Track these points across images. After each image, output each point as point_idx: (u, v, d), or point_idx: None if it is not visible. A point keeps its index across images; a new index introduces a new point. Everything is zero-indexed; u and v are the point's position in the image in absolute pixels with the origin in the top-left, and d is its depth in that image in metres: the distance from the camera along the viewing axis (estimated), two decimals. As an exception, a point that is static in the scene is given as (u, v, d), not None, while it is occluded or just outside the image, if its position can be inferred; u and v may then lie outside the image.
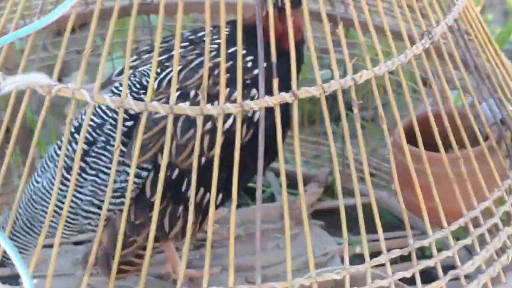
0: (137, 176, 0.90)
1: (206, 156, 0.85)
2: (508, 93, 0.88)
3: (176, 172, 0.89)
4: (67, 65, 1.41)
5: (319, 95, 0.71)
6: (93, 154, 0.91)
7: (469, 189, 0.78)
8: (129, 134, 0.88)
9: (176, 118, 0.80)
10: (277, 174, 1.29)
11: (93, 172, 0.91)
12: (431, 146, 0.82)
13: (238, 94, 0.69)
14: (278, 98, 0.70)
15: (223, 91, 0.69)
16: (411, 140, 0.81)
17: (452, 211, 0.80)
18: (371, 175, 1.27)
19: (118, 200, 0.92)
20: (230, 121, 0.82)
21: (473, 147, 0.82)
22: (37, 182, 0.94)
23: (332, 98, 0.74)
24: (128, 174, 0.89)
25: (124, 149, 0.89)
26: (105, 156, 0.91)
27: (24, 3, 0.72)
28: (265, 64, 0.72)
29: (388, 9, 0.92)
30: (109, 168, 0.90)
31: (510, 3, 1.60)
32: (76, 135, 0.91)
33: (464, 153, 0.81)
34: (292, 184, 1.27)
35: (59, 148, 0.92)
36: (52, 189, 0.90)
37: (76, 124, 0.93)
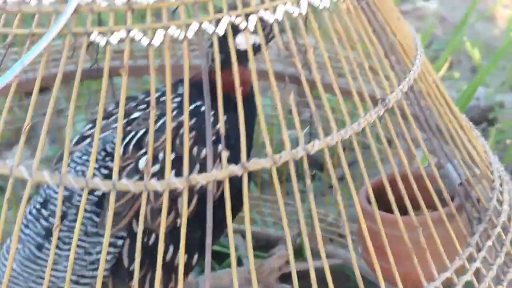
0: (113, 245, 0.88)
1: (180, 218, 0.84)
2: (467, 156, 0.86)
3: (153, 237, 0.87)
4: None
5: (269, 166, 0.69)
6: (65, 228, 0.88)
7: (427, 256, 0.76)
8: (99, 202, 0.87)
9: None
10: (245, 236, 1.26)
11: (67, 247, 0.88)
12: (401, 207, 0.80)
13: (184, 167, 0.67)
14: (226, 171, 0.68)
15: (169, 164, 0.67)
16: (380, 200, 0.79)
17: (411, 277, 0.77)
18: (340, 236, 1.26)
19: (96, 273, 0.88)
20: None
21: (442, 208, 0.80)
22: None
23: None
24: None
25: (97, 219, 0.87)
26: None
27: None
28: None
29: (350, 71, 0.90)
30: (84, 241, 0.88)
31: (477, 60, 1.61)
32: (43, 211, 0.89)
33: (422, 217, 0.79)
34: (259, 246, 1.25)
35: (26, 227, 0.90)
36: (24, 271, 0.88)
37: (41, 199, 0.90)
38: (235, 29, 0.73)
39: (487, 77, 1.54)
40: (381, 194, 0.79)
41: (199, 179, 0.67)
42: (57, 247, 0.88)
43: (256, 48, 0.86)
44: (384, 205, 0.80)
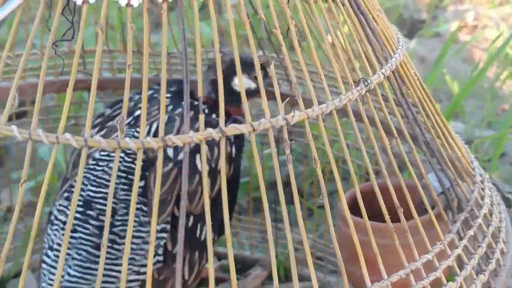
0: (164, 231, 0.88)
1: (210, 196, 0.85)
2: (449, 149, 0.85)
3: (191, 219, 0.89)
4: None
5: (248, 133, 0.67)
6: (119, 223, 0.88)
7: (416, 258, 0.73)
8: (143, 193, 0.88)
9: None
10: (219, 258, 1.24)
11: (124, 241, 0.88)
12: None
13: (160, 128, 0.65)
14: (204, 134, 0.66)
15: (143, 124, 0.65)
16: (356, 211, 0.77)
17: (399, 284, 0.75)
18: (319, 258, 1.24)
19: (157, 258, 0.89)
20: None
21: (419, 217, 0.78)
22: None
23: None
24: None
25: (145, 209, 0.88)
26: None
27: None
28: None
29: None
30: (140, 231, 0.88)
31: (455, 91, 1.62)
32: (90, 212, 0.89)
33: (411, 222, 0.77)
34: (237, 267, 1.23)
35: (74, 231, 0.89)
36: (86, 273, 0.88)
37: (80, 203, 0.89)
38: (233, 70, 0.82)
39: (466, 115, 1.55)
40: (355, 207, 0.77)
41: (175, 139, 0.65)
42: (115, 242, 0.88)
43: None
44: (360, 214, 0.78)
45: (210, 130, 0.66)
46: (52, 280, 0.89)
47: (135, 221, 0.87)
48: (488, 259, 0.79)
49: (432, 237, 0.77)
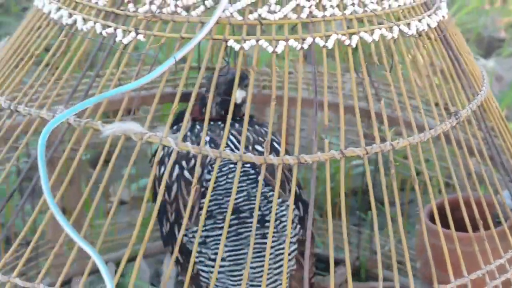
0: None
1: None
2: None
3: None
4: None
5: (362, 155, 0.86)
6: (266, 217, 1.06)
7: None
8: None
9: None
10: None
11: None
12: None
13: (296, 148, 0.84)
14: (329, 154, 0.85)
15: (283, 144, 0.84)
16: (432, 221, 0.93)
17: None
18: (398, 262, 1.39)
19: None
20: None
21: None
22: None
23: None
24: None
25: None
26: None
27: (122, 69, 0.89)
28: None
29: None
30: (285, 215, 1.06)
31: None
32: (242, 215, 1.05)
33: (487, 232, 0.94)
34: (322, 266, 1.40)
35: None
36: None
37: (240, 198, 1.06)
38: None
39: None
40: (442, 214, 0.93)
41: (306, 157, 0.84)
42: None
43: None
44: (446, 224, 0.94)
45: (333, 152, 0.85)
46: (238, 281, 1.06)
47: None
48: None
49: (505, 245, 0.94)
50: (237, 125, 1.09)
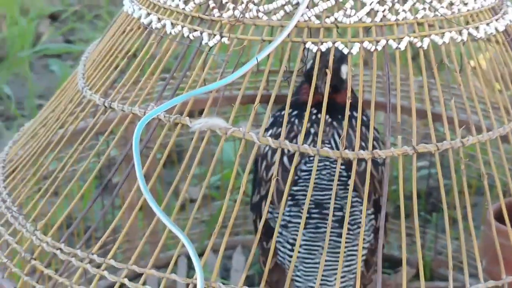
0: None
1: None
2: None
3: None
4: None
5: (433, 151, 0.91)
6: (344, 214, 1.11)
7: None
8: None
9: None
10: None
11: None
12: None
13: (369, 144, 0.89)
14: (402, 150, 0.90)
15: (358, 141, 0.90)
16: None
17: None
18: (459, 262, 1.43)
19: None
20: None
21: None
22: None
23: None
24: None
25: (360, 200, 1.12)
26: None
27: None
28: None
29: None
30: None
31: None
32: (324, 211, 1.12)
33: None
34: (384, 266, 1.44)
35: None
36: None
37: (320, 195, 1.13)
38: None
39: None
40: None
41: (380, 153, 0.89)
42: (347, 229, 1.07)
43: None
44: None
45: (405, 147, 0.90)
46: (310, 269, 1.13)
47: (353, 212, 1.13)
48: None
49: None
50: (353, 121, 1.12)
